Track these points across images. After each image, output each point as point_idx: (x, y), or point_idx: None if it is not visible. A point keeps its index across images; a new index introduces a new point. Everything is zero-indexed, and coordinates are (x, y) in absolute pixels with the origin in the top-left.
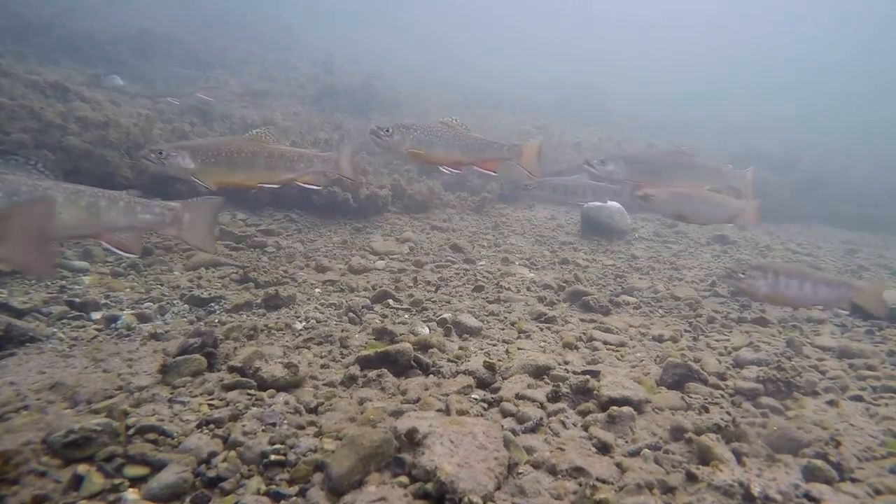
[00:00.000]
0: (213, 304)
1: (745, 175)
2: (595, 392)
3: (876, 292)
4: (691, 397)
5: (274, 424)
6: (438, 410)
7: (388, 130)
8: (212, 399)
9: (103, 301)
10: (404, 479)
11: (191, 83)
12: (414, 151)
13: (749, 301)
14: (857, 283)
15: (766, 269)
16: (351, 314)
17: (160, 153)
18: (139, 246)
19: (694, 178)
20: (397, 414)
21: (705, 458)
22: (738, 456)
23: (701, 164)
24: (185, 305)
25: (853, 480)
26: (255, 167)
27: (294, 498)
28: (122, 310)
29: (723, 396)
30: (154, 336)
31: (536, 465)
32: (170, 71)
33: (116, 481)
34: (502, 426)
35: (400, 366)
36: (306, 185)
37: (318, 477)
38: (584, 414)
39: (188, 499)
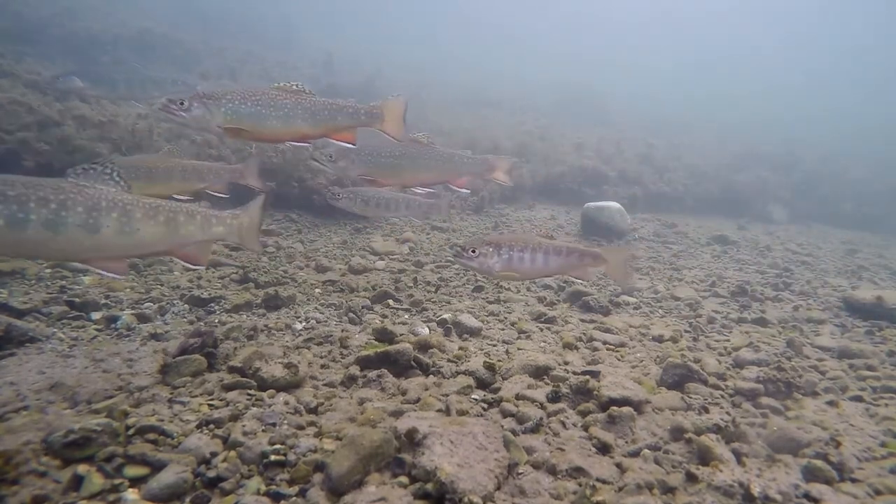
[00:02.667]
0: (213, 305)
1: (498, 162)
2: (595, 392)
3: (619, 261)
4: (691, 397)
5: (274, 424)
6: (438, 411)
7: (182, 103)
8: (212, 399)
9: (103, 301)
10: (404, 479)
11: (157, 86)
12: (233, 128)
13: (749, 301)
14: (594, 250)
15: (496, 243)
16: (351, 314)
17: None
18: (207, 257)
19: (433, 168)
20: (397, 414)
21: (705, 458)
22: (738, 456)
23: (440, 153)
24: (185, 305)
25: (853, 480)
26: (172, 180)
27: (294, 498)
28: (122, 310)
29: (723, 397)
30: (154, 336)
31: (536, 466)
32: (136, 73)
33: (116, 481)
34: (502, 426)
35: (400, 366)
36: (215, 193)
37: (318, 477)
38: (584, 414)
39: (188, 499)
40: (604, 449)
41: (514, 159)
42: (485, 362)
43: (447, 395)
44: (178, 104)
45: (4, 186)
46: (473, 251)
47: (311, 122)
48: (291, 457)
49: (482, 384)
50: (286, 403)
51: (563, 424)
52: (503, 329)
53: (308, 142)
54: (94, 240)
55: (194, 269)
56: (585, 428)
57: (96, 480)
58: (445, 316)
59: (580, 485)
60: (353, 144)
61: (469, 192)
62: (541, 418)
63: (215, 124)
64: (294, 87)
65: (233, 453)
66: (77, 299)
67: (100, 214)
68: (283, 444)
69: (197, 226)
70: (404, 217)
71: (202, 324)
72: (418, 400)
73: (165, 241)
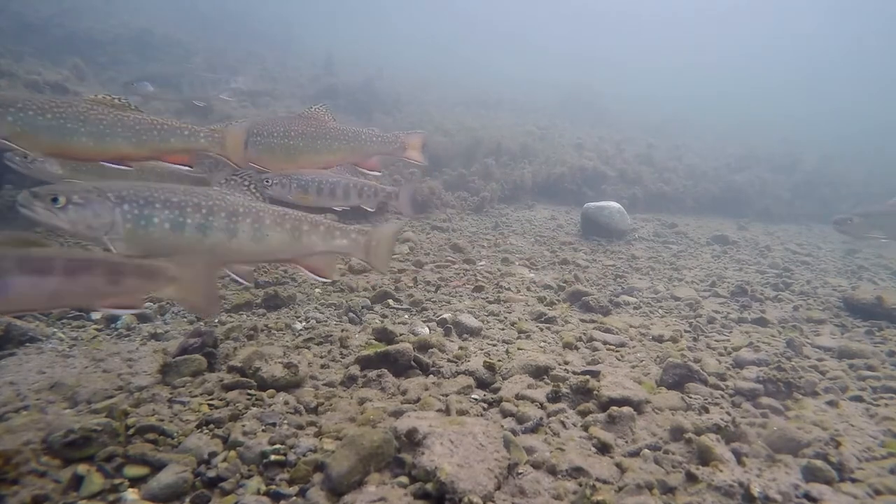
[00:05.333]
0: None
1: (409, 139)
2: (595, 392)
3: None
4: (691, 397)
5: (274, 424)
6: (438, 410)
7: None
8: (212, 399)
9: None
10: (404, 479)
11: (213, 86)
12: (25, 141)
13: (749, 301)
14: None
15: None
16: (351, 314)
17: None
18: (334, 271)
19: (336, 149)
20: (397, 414)
21: (705, 458)
22: (738, 456)
23: (344, 132)
24: None
25: (853, 481)
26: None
27: (294, 498)
28: None
29: (723, 397)
30: (154, 336)
31: (536, 466)
32: (195, 75)
33: (116, 481)
34: (502, 426)
35: (400, 366)
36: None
37: (318, 477)
38: (583, 414)
39: (188, 499)
40: (604, 449)
41: (425, 133)
42: (485, 362)
43: (447, 395)
44: None
45: (169, 193)
46: None
47: (134, 143)
48: (291, 457)
49: (482, 384)
50: (286, 403)
51: (563, 424)
52: (503, 329)
53: (131, 165)
54: (233, 243)
55: (322, 282)
56: (585, 428)
57: (96, 480)
58: (445, 316)
59: (580, 485)
60: (190, 167)
61: (380, 174)
62: (541, 418)
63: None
64: (116, 100)
65: (233, 453)
66: None
67: (237, 220)
68: (283, 443)
69: (319, 236)
70: (352, 207)
71: (202, 324)
72: (418, 400)
73: (290, 249)
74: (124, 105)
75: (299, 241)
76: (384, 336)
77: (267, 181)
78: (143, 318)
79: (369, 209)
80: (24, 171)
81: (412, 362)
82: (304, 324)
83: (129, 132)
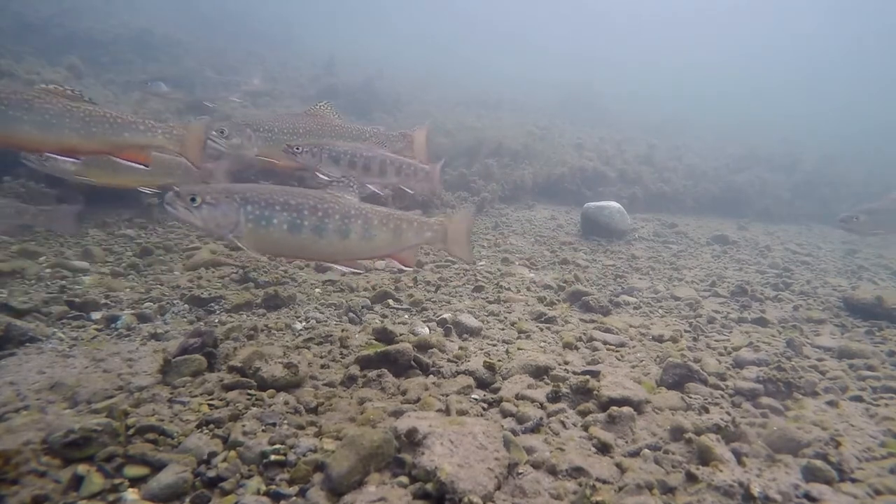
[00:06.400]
0: (213, 304)
1: (415, 136)
2: (595, 392)
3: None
4: (691, 397)
5: (274, 424)
6: (438, 410)
7: None
8: (212, 399)
9: (103, 301)
10: (404, 479)
11: (224, 87)
12: None
13: (749, 301)
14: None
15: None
16: (351, 314)
17: None
18: (415, 260)
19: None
20: (397, 414)
21: (705, 458)
22: (738, 456)
23: (349, 129)
24: (185, 305)
25: (853, 481)
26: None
27: (294, 498)
28: (122, 310)
29: (723, 397)
30: (154, 336)
31: (536, 466)
32: (207, 77)
33: (116, 481)
34: (502, 426)
35: (400, 366)
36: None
37: (318, 477)
38: (584, 414)
39: (188, 499)
40: (604, 449)
41: (428, 126)
42: (485, 362)
43: (447, 395)
44: None
45: (288, 196)
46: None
47: (82, 135)
48: (291, 457)
49: (482, 384)
50: (286, 403)
51: (563, 424)
52: (503, 329)
53: (79, 157)
54: (344, 243)
55: (405, 271)
56: (585, 428)
57: (96, 480)
58: (445, 316)
59: (580, 485)
60: (146, 166)
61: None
62: (541, 418)
63: None
64: (68, 91)
65: (233, 453)
66: (77, 299)
67: (350, 221)
68: (283, 443)
69: (413, 231)
70: (388, 185)
71: (202, 324)
72: (418, 400)
73: (391, 246)
74: (76, 96)
75: (399, 238)
76: (384, 336)
77: (297, 149)
78: (143, 318)
79: (409, 191)
80: (39, 169)
81: (412, 362)
82: (304, 324)
83: (78, 123)
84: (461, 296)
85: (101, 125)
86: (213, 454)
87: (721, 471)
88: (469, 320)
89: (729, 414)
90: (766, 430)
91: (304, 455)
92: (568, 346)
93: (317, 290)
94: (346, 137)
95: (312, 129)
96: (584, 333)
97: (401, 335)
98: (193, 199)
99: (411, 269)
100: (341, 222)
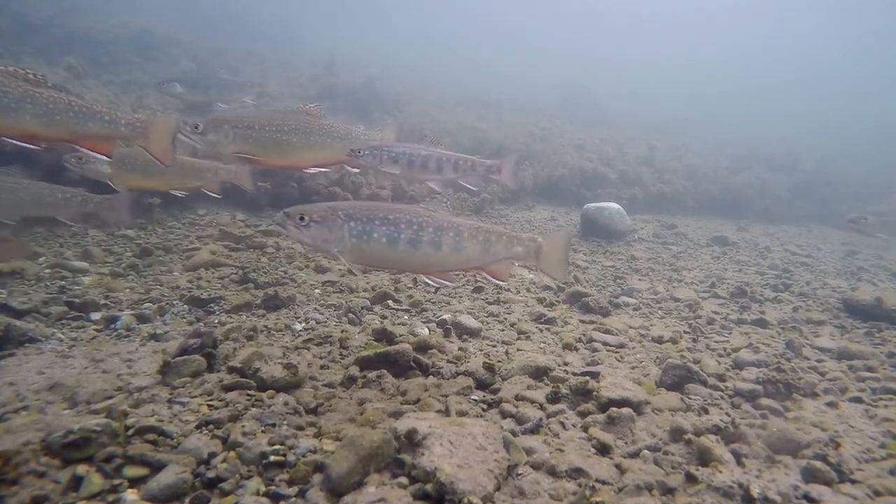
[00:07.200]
0: (212, 305)
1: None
2: (595, 393)
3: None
4: (691, 398)
5: (273, 425)
6: (438, 411)
7: None
8: (211, 400)
9: (103, 301)
10: (404, 479)
11: (238, 89)
12: None
13: (749, 302)
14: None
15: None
16: (350, 315)
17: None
18: (508, 274)
19: (328, 146)
20: (397, 415)
21: (705, 459)
22: (738, 457)
23: (337, 130)
24: (185, 306)
25: (853, 482)
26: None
27: (293, 499)
28: (121, 310)
29: (722, 398)
30: (153, 337)
31: (536, 466)
32: (221, 79)
33: (116, 482)
34: (502, 427)
35: (399, 367)
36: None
37: (317, 478)
38: (583, 415)
39: (188, 499)
40: (603, 450)
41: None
42: (484, 363)
43: (447, 396)
44: None
45: (385, 212)
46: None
47: (43, 122)
48: (291, 457)
49: (482, 385)
50: (286, 404)
51: (563, 425)
52: (503, 330)
53: (39, 144)
54: (437, 255)
55: (498, 284)
56: (585, 429)
57: (96, 481)
58: (445, 316)
59: (580, 485)
60: (108, 157)
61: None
62: (540, 419)
63: None
64: (30, 75)
65: (232, 454)
66: (77, 300)
67: (442, 234)
68: (282, 444)
69: (502, 245)
70: (447, 183)
71: (202, 324)
72: (418, 400)
73: (480, 258)
74: (39, 81)
75: (488, 251)
76: (384, 337)
77: (359, 151)
78: (142, 319)
79: (469, 187)
80: (78, 171)
81: (412, 363)
82: (303, 324)
83: (40, 109)
84: (461, 297)
85: (65, 113)
86: (212, 455)
87: (720, 472)
88: (469, 321)
89: (728, 415)
90: (765, 431)
91: (303, 456)
92: (567, 347)
93: (316, 290)
94: (334, 137)
95: (297, 128)
96: (584, 334)
97: (400, 336)
98: (302, 219)
99: (504, 282)
100: (434, 235)
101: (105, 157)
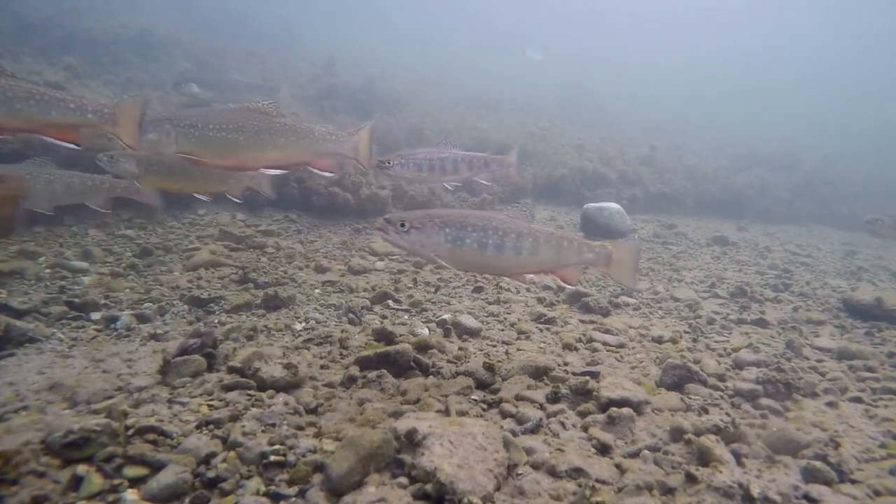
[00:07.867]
0: (212, 305)
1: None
2: (595, 393)
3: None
4: (691, 398)
5: (273, 425)
6: (438, 411)
7: None
8: (211, 400)
9: (103, 301)
10: (404, 479)
11: (249, 90)
12: None
13: (749, 302)
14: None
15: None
16: (350, 315)
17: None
18: (577, 279)
19: (283, 146)
20: (397, 415)
21: (705, 459)
22: (738, 457)
23: (293, 128)
24: (185, 306)
25: (852, 482)
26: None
27: (293, 499)
28: (121, 310)
29: (722, 398)
30: (153, 336)
31: (536, 466)
32: (233, 80)
33: (116, 482)
34: (502, 427)
35: (399, 367)
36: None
37: (317, 478)
38: (583, 415)
39: (187, 499)
40: (603, 450)
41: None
42: (484, 363)
43: (447, 396)
44: None
45: (475, 219)
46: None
47: (4, 112)
48: (291, 457)
49: (482, 385)
50: (286, 404)
51: (563, 425)
52: (503, 330)
53: (1, 135)
54: (517, 259)
55: (567, 287)
56: (585, 429)
57: (96, 481)
58: (445, 316)
59: (580, 485)
60: (78, 146)
61: (333, 175)
62: (540, 419)
63: None
64: None
65: (232, 454)
66: (77, 299)
67: (522, 239)
68: (282, 444)
69: (573, 251)
70: (464, 181)
71: (202, 324)
72: (418, 400)
73: (552, 262)
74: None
75: (560, 255)
76: (384, 337)
77: (388, 162)
78: (142, 319)
79: (484, 182)
80: (108, 169)
81: (412, 363)
82: (303, 324)
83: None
84: (461, 296)
85: (26, 101)
86: (212, 455)
87: (721, 472)
88: (469, 321)
89: (728, 415)
90: (765, 431)
91: (303, 456)
92: (567, 347)
93: (316, 290)
94: (288, 136)
95: (246, 126)
96: (584, 334)
97: (400, 336)
98: (403, 225)
99: (572, 287)
100: (516, 240)
101: (74, 146)
